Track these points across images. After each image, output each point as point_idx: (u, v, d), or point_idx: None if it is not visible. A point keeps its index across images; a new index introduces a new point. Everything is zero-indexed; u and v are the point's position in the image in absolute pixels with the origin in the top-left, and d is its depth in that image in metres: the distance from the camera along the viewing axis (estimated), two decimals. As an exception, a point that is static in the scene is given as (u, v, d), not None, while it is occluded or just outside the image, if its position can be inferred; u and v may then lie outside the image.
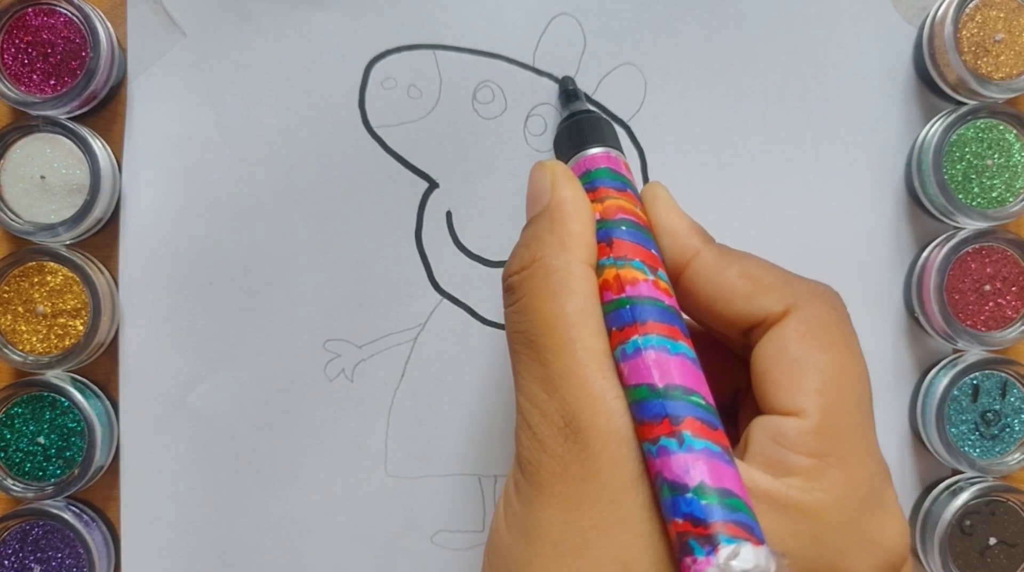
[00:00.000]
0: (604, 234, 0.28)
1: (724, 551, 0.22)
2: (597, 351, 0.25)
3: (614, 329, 0.26)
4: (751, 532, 0.22)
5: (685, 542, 0.23)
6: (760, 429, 0.25)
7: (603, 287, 0.27)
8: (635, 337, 0.25)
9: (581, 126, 0.33)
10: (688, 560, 0.22)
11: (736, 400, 0.30)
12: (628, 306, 0.26)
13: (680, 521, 0.23)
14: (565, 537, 0.24)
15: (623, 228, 0.28)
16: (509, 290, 0.28)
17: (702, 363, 0.26)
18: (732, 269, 0.27)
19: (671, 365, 0.25)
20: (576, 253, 0.27)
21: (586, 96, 0.38)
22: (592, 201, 0.29)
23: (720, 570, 0.22)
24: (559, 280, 0.26)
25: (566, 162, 0.32)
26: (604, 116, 0.34)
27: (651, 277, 0.27)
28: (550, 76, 0.38)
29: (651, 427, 0.24)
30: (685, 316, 0.27)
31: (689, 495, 0.23)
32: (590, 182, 0.30)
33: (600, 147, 0.31)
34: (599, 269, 0.27)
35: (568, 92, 0.37)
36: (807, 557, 0.24)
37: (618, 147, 0.32)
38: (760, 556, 0.22)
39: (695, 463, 0.23)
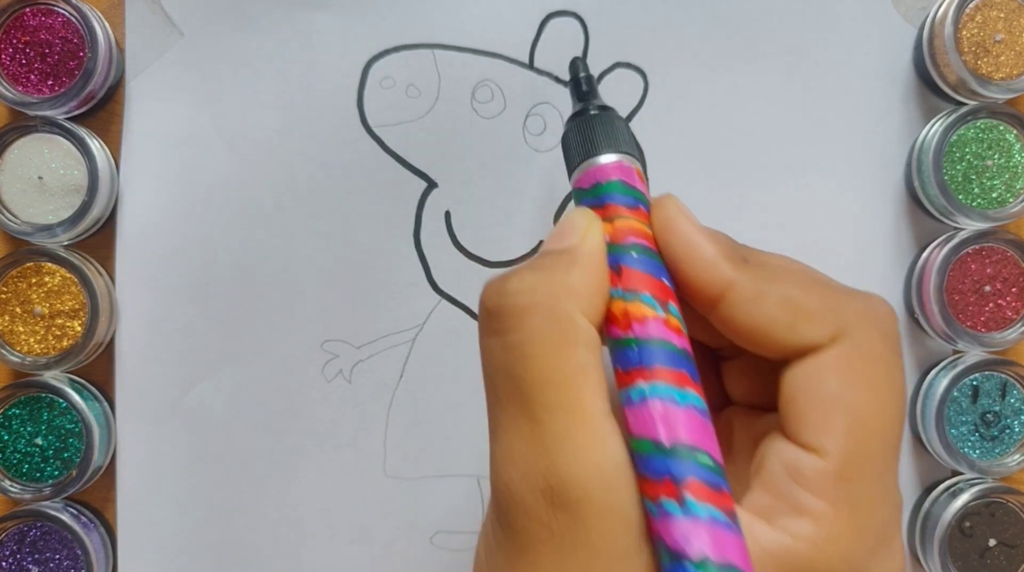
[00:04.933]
0: (613, 260, 0.25)
1: None
2: (596, 412, 0.23)
3: (619, 369, 0.24)
4: None
5: None
6: (776, 458, 0.24)
7: (609, 320, 0.25)
8: (641, 383, 0.23)
9: (592, 127, 0.29)
10: None
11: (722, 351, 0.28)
12: (635, 347, 0.24)
13: None
14: None
15: (634, 254, 0.25)
16: (498, 313, 0.24)
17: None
18: (771, 297, 0.24)
19: (678, 419, 0.23)
20: (584, 306, 0.24)
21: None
22: (601, 219, 0.26)
23: None
24: (565, 329, 0.24)
25: (575, 166, 0.29)
26: (616, 112, 0.30)
27: (662, 314, 0.24)
28: (549, 75, 0.38)
29: (653, 485, 0.23)
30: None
31: (690, 568, 0.22)
32: (599, 197, 0.27)
33: (613, 154, 0.28)
34: None
35: (578, 80, 0.32)
36: None
37: (633, 152, 0.28)
38: None
39: (698, 532, 0.22)
